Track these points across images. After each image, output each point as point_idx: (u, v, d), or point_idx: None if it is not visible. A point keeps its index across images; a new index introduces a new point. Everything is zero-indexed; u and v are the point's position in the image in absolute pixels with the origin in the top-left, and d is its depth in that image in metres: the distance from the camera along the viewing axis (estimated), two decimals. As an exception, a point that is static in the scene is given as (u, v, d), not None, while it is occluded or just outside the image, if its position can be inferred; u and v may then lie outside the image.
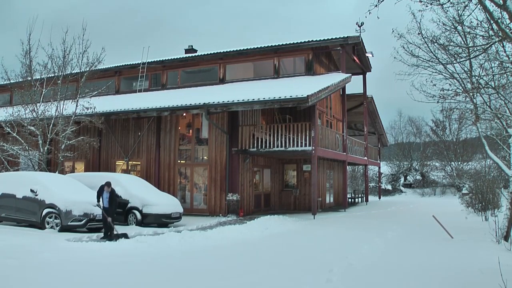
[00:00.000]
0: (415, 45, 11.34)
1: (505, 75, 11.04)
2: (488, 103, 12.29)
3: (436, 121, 40.13)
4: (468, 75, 11.49)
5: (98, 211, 12.48)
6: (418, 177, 42.34)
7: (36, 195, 12.56)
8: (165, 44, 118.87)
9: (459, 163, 37.64)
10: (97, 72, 19.49)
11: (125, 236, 10.99)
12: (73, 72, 18.50)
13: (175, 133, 19.71)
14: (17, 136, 17.82)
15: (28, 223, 12.81)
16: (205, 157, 19.13)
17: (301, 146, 17.15)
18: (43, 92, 18.28)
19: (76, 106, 17.71)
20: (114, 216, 11.66)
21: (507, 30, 7.23)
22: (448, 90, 11.23)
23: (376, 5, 6.67)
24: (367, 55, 23.83)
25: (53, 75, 18.37)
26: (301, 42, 20.05)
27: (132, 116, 19.04)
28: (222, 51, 21.57)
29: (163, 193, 16.19)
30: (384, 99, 49.30)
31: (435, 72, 11.58)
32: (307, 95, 15.33)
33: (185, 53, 24.10)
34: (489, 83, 11.28)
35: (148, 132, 20.11)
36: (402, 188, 41.79)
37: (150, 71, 23.12)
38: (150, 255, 8.91)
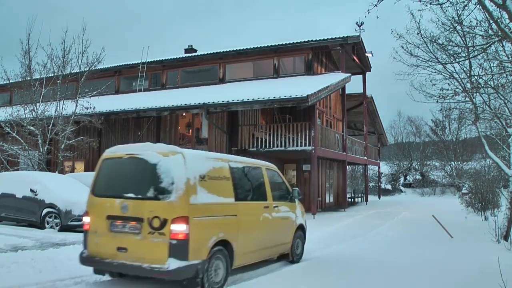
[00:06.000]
0: (414, 45, 11.35)
1: (504, 74, 11.04)
2: (487, 103, 12.28)
3: (435, 120, 40.15)
4: (468, 74, 11.48)
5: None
6: (418, 176, 42.34)
7: (36, 195, 12.55)
8: (164, 43, 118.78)
9: (459, 162, 37.64)
10: (96, 72, 19.49)
11: None
12: (72, 72, 18.49)
13: (174, 133, 19.71)
14: (17, 136, 17.80)
15: (27, 222, 12.80)
16: (205, 157, 19.08)
17: (301, 146, 17.15)
18: (43, 92, 18.26)
19: (76, 106, 17.70)
20: None
21: (507, 30, 7.23)
22: (448, 89, 11.23)
23: (375, 5, 6.67)
24: (366, 54, 23.84)
25: (52, 75, 18.36)
26: (300, 41, 20.05)
27: (132, 116, 19.04)
28: (221, 50, 21.57)
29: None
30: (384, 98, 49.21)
31: (435, 72, 11.58)
32: (307, 95, 15.34)
33: (185, 53, 24.11)
34: (489, 82, 11.28)
35: (148, 132, 20.11)
36: (402, 188, 41.80)
37: (149, 71, 23.11)
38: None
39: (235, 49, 21.20)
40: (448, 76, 11.64)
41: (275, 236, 7.55)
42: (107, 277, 6.69)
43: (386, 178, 42.75)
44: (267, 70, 21.16)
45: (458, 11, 9.49)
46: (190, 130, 19.92)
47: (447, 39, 10.57)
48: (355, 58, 23.09)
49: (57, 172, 17.28)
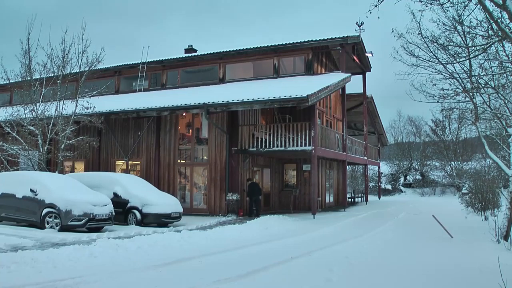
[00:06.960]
0: (414, 45, 11.36)
1: (504, 74, 11.05)
2: (487, 103, 12.30)
3: (435, 120, 40.17)
4: (468, 75, 11.49)
5: (98, 211, 12.46)
6: (418, 176, 42.37)
7: (36, 195, 12.55)
8: (165, 43, 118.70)
9: (459, 162, 37.66)
10: (96, 72, 19.48)
11: None
12: (72, 71, 18.48)
13: (174, 133, 19.71)
14: (17, 136, 17.80)
15: (28, 222, 12.81)
16: (205, 157, 19.12)
17: (301, 145, 17.14)
18: (43, 92, 18.25)
19: (76, 105, 17.70)
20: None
21: (507, 30, 7.23)
22: (448, 90, 11.26)
23: (376, 5, 6.67)
24: (366, 54, 23.84)
25: (52, 74, 18.35)
26: (300, 41, 20.04)
27: (132, 116, 19.04)
28: (221, 50, 21.56)
29: (163, 192, 16.17)
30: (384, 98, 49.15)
31: (435, 72, 11.59)
32: (307, 95, 15.34)
33: (185, 53, 24.09)
34: (489, 82, 11.29)
35: (147, 131, 20.11)
36: (402, 188, 41.84)
37: (150, 71, 23.11)
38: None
39: (235, 49, 21.19)
40: (448, 76, 11.64)
41: None
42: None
43: (386, 178, 42.79)
44: (267, 70, 21.16)
45: (458, 11, 9.51)
46: (190, 130, 19.90)
47: (448, 39, 10.58)
48: (355, 58, 23.09)
49: (57, 172, 17.27)
